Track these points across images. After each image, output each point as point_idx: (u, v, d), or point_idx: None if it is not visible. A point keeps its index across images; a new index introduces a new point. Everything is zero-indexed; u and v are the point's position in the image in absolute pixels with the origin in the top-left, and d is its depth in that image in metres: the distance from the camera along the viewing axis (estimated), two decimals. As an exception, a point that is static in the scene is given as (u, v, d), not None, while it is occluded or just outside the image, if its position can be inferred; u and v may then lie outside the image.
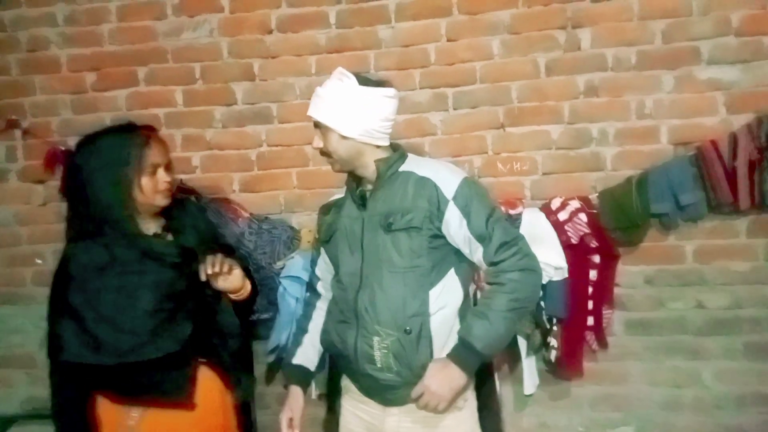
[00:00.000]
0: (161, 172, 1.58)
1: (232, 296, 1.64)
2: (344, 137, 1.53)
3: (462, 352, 1.49)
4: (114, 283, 1.53)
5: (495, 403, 1.80)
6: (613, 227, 2.03)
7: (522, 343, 2.04)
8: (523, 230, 1.94)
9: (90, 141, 1.59)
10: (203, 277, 1.56)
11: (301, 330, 1.74)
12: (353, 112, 1.52)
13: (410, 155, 1.63)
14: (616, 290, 2.09)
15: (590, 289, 2.05)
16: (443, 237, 1.53)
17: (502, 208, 2.00)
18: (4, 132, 2.35)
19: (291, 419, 1.64)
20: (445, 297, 1.53)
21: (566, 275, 2.00)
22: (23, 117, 2.34)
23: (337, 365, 1.72)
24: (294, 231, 2.21)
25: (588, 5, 2.05)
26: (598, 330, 2.07)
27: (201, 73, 2.26)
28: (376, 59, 2.16)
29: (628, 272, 2.10)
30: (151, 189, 1.56)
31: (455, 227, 1.51)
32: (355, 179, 1.64)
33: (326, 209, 1.72)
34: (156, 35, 2.27)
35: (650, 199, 2.00)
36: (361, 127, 1.52)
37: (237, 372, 1.70)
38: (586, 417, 2.17)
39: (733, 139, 1.96)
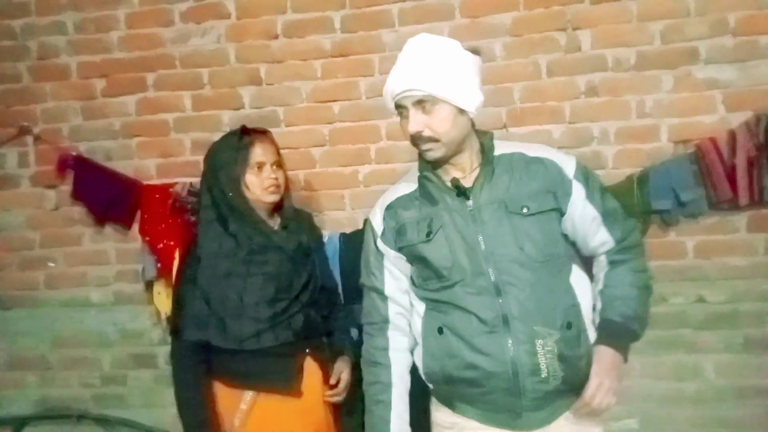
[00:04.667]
0: (267, 170, 1.69)
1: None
2: (461, 111, 1.32)
3: (616, 336, 1.33)
4: (241, 270, 1.64)
5: None
6: (614, 224, 2.06)
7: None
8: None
9: (214, 144, 1.76)
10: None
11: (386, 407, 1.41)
12: (468, 81, 1.32)
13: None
14: (619, 286, 2.12)
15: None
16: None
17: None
18: (16, 138, 2.39)
19: None
20: (581, 284, 1.38)
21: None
22: (34, 123, 2.38)
23: (454, 398, 1.38)
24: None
25: (587, 7, 2.09)
26: (602, 325, 2.10)
27: (208, 79, 2.30)
28: (381, 63, 2.19)
29: (630, 268, 2.13)
30: (257, 185, 1.68)
31: (581, 207, 1.38)
32: (434, 167, 1.39)
33: (403, 204, 1.43)
34: (164, 42, 2.30)
35: (651, 196, 2.03)
36: (478, 98, 1.33)
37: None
38: (590, 411, 2.20)
39: (732, 137, 1.99)
